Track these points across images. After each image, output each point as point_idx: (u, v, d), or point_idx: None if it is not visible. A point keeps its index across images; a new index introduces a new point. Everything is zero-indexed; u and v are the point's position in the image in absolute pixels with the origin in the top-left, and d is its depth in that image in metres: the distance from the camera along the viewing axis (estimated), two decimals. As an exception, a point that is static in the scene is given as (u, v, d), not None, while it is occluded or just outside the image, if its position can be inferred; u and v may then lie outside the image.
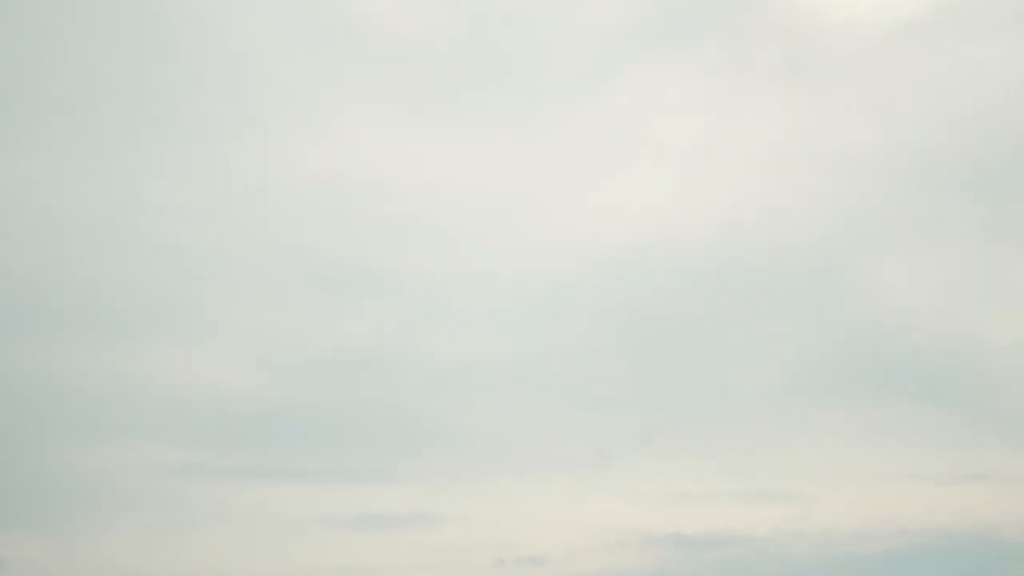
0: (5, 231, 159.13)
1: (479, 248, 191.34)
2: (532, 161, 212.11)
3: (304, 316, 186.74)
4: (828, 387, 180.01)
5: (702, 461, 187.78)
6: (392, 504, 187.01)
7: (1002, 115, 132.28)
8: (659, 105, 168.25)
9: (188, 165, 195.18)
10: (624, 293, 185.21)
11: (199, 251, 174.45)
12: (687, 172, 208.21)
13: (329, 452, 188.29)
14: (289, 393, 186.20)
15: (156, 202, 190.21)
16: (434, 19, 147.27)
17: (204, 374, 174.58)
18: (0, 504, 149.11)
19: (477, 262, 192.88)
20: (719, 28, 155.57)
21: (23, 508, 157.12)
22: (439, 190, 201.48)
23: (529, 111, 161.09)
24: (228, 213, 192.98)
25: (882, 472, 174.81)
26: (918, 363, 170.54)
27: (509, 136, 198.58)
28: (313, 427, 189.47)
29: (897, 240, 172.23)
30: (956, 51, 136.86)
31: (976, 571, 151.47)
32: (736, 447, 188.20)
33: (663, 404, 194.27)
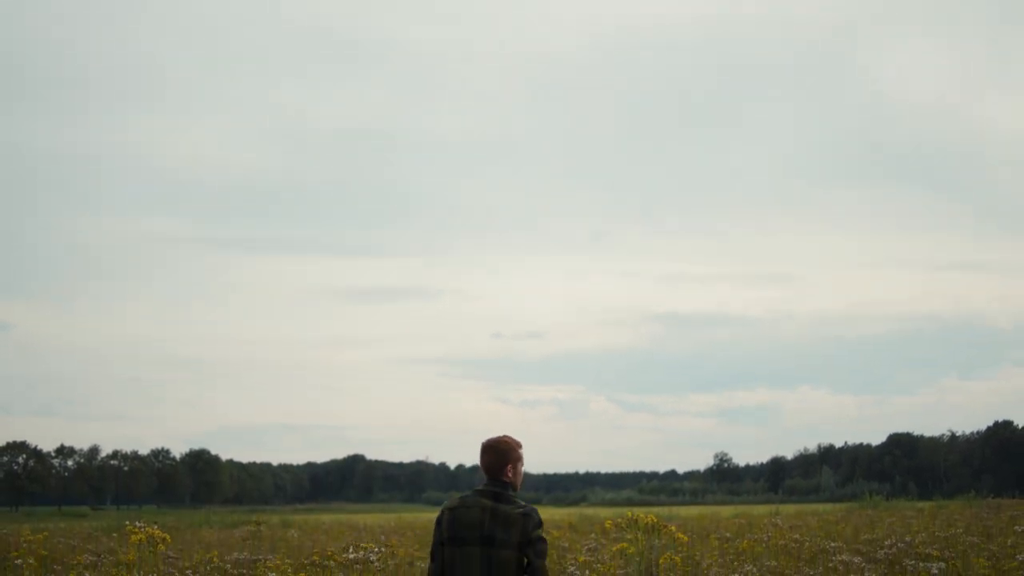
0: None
1: (478, 21, 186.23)
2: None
3: (304, 90, 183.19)
4: (829, 169, 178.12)
5: (699, 241, 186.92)
6: (392, 276, 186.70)
7: None
8: None
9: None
10: (624, 69, 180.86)
11: (203, 21, 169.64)
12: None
13: (330, 225, 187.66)
14: (290, 166, 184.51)
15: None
16: None
17: (207, 146, 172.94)
18: (5, 271, 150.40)
19: (477, 38, 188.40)
20: None
21: (28, 275, 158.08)
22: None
23: None
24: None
25: (877, 257, 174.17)
26: (921, 149, 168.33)
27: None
28: (314, 200, 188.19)
29: (907, 23, 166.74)
30: None
31: (964, 358, 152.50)
32: (733, 228, 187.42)
33: (662, 183, 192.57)
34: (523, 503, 4.73)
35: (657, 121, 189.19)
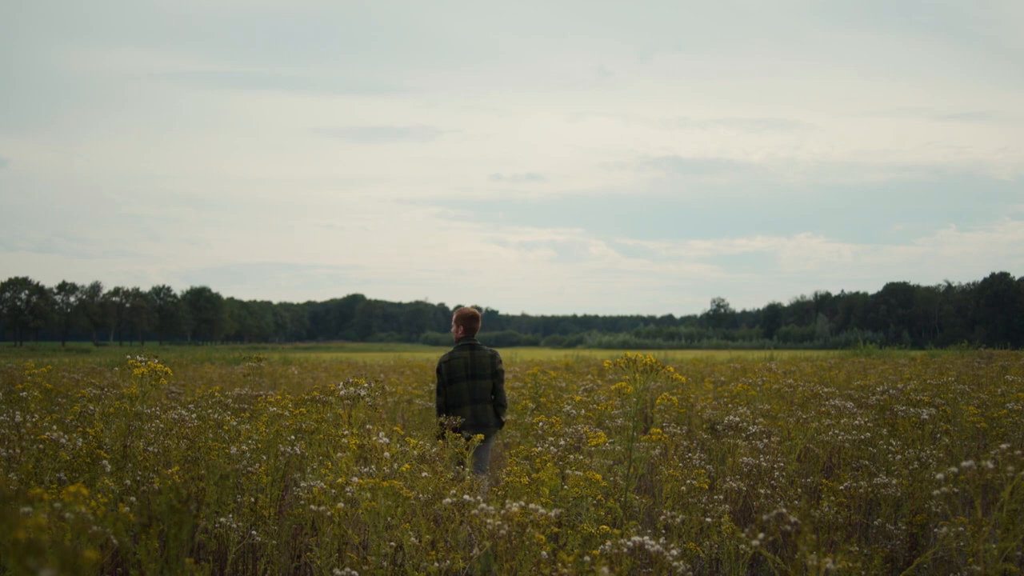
0: None
1: None
2: None
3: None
4: (837, 13, 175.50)
5: (702, 84, 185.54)
6: (389, 116, 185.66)
7: None
8: None
9: None
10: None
11: None
12: None
13: (326, 61, 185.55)
14: (292, 2, 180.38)
15: None
16: None
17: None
18: (2, 106, 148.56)
19: None
20: None
21: (23, 110, 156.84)
22: None
23: None
24: None
25: (880, 104, 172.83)
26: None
27: None
28: (310, 35, 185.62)
29: None
30: None
31: (964, 209, 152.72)
32: (737, 72, 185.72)
33: (665, 23, 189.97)
34: (488, 348, 7.36)
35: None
